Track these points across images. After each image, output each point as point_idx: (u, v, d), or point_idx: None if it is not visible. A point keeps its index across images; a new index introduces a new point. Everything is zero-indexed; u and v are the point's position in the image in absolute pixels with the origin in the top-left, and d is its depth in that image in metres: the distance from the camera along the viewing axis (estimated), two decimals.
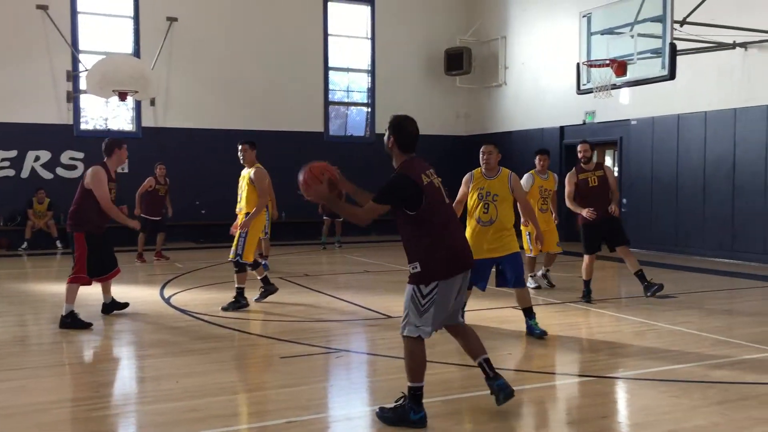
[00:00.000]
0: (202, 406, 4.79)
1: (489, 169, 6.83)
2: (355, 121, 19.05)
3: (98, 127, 16.59)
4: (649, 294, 8.56)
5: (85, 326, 7.17)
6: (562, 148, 16.48)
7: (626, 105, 14.58)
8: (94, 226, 7.39)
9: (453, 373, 5.59)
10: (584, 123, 15.81)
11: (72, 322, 7.17)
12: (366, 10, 18.67)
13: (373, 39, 18.67)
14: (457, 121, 19.59)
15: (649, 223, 14.15)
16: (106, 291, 7.91)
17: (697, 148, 13.40)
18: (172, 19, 16.35)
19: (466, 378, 5.47)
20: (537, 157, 9.74)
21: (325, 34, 18.16)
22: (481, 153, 6.88)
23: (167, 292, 9.49)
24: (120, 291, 9.74)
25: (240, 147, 8.61)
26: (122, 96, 14.05)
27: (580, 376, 5.69)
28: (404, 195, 4.33)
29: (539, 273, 9.76)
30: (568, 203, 8.74)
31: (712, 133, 13.10)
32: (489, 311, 8.02)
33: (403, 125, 4.52)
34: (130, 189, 15.95)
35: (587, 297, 8.66)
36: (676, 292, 9.22)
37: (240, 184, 8.58)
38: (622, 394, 5.35)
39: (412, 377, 4.42)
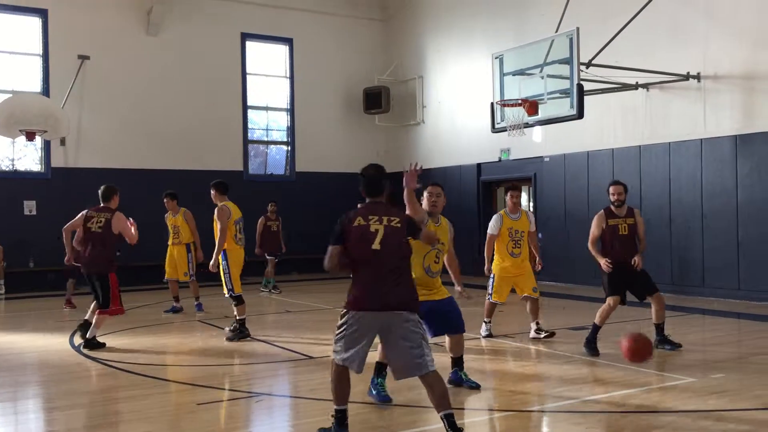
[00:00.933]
0: None
1: (434, 213, 6.14)
2: (275, 160, 18.97)
3: (5, 168, 15.91)
4: (659, 347, 7.64)
5: (102, 345, 8.31)
6: (479, 185, 16.87)
7: (539, 143, 15.09)
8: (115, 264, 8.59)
9: (372, 413, 5.54)
10: (500, 160, 16.25)
11: (97, 343, 8.28)
12: (284, 49, 18.75)
13: (291, 78, 18.74)
14: (377, 159, 19.73)
15: (564, 256, 14.56)
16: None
17: (605, 183, 13.84)
18: (83, 57, 15.95)
19: (387, 417, 5.43)
20: (507, 194, 8.61)
21: (244, 73, 18.12)
22: (428, 194, 6.22)
23: (77, 339, 9.07)
24: (26, 339, 9.28)
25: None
26: (30, 136, 13.54)
27: (499, 410, 5.75)
28: (335, 232, 4.75)
29: (531, 329, 8.65)
30: (590, 247, 7.99)
31: (619, 168, 13.69)
32: None
33: (362, 173, 5.02)
34: (39, 232, 15.35)
35: (592, 346, 7.55)
36: (591, 324, 9.48)
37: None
38: (539, 428, 5.43)
39: (334, 400, 4.77)
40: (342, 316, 4.68)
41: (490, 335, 8.68)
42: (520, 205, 8.63)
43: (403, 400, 5.90)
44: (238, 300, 8.83)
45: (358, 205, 4.97)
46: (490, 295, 8.71)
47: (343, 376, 4.71)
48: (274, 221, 14.38)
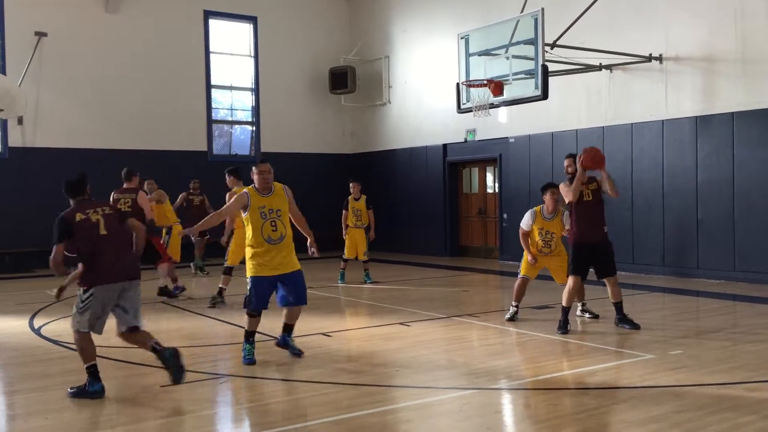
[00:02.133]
0: None
1: (265, 188, 6.62)
2: (240, 140, 18.77)
3: None
4: (619, 325, 7.86)
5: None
6: (446, 166, 16.92)
7: (504, 123, 15.16)
8: None
9: (341, 392, 5.56)
10: (466, 141, 16.30)
11: (170, 293, 10.57)
12: (248, 27, 18.49)
13: (256, 57, 18.50)
14: (342, 140, 19.70)
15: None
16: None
17: None
18: (40, 34, 15.54)
19: (353, 397, 5.45)
20: (547, 193, 8.32)
21: (207, 51, 17.83)
22: (259, 172, 6.60)
23: (37, 322, 8.92)
24: None
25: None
26: None
27: (464, 389, 5.80)
28: (58, 232, 5.52)
29: (578, 310, 8.60)
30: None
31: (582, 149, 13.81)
32: (376, 328, 8.05)
33: (65, 181, 5.79)
34: None
35: (564, 327, 7.63)
36: (552, 303, 9.62)
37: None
38: (504, 404, 5.50)
39: (84, 359, 5.55)
40: (85, 293, 5.51)
41: (513, 319, 8.42)
42: (558, 205, 8.33)
43: (369, 380, 5.93)
44: (226, 271, 9.96)
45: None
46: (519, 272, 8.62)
47: (88, 339, 5.61)
48: (197, 196, 14.42)
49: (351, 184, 12.57)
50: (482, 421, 4.92)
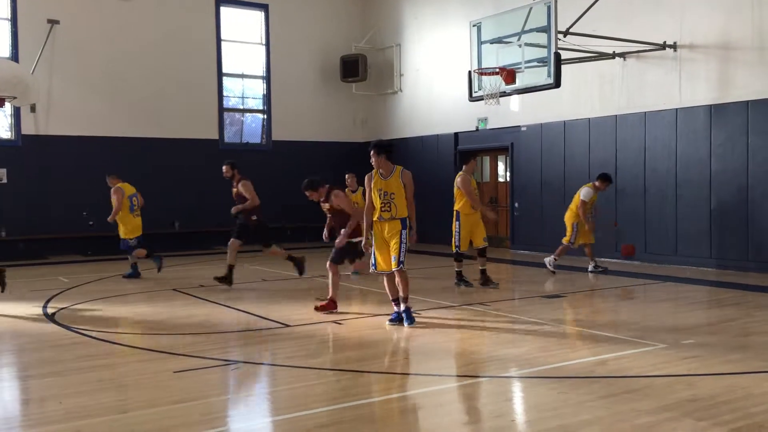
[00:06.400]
0: (87, 428, 4.55)
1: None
2: (251, 128, 18.77)
3: None
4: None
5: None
6: (457, 154, 16.86)
7: (516, 112, 15.07)
8: None
9: (351, 380, 5.57)
10: (477, 129, 16.23)
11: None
12: (260, 15, 18.46)
13: (267, 45, 18.48)
14: (354, 128, 19.67)
15: (540, 225, 14.67)
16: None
17: (582, 152, 14.03)
18: (53, 22, 15.58)
19: (363, 384, 5.47)
20: (598, 180, 11.79)
21: (218, 39, 17.82)
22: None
23: (51, 308, 9.00)
24: (0, 308, 9.17)
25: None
26: (0, 102, 13.23)
27: (474, 377, 5.81)
28: None
29: (590, 266, 11.82)
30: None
31: (595, 138, 13.76)
32: (387, 316, 8.07)
33: None
34: (10, 201, 15.12)
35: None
36: (564, 292, 9.60)
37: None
38: (513, 392, 5.50)
39: None
40: None
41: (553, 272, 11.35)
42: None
43: (379, 367, 5.95)
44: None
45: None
46: (573, 240, 11.63)
47: None
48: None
49: (347, 176, 12.31)
50: (492, 409, 4.92)
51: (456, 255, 10.39)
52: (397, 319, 7.62)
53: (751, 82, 11.39)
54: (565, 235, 11.73)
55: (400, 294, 7.63)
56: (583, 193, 11.55)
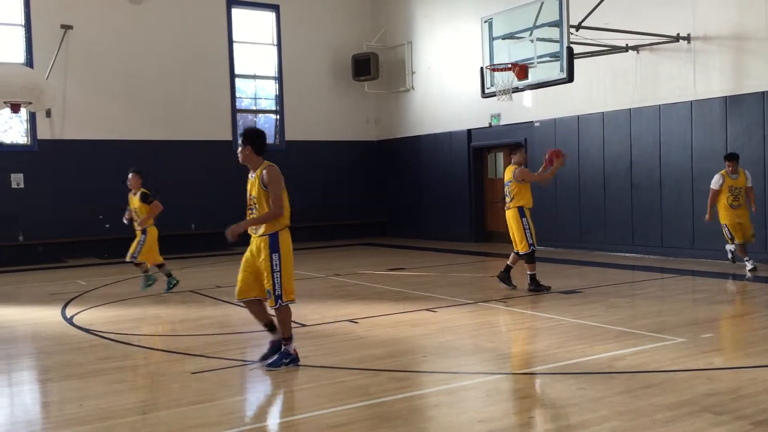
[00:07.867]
0: (107, 429, 4.59)
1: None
2: (264, 129, 18.80)
3: None
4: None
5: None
6: (470, 151, 16.83)
7: (529, 107, 15.02)
8: None
9: (368, 378, 5.58)
10: (490, 126, 16.18)
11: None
12: (271, 16, 18.50)
13: (279, 45, 18.53)
14: (366, 127, 19.67)
15: (554, 220, 14.61)
16: None
17: (596, 147, 13.95)
18: (66, 27, 15.70)
19: (380, 383, 5.47)
20: (726, 162, 10.82)
21: (230, 41, 17.89)
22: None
23: (69, 311, 9.07)
24: (19, 312, 9.28)
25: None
26: (15, 108, 13.35)
27: (491, 374, 5.80)
28: None
29: (730, 252, 11.24)
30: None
31: (609, 132, 13.67)
32: (403, 314, 8.07)
33: None
34: (27, 206, 15.26)
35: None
36: (580, 287, 9.55)
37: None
38: (532, 389, 5.48)
39: None
40: None
41: (754, 268, 10.46)
42: (736, 169, 10.70)
43: (396, 366, 5.95)
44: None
45: None
46: (732, 240, 10.79)
47: None
48: None
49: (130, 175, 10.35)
50: (510, 406, 4.91)
51: (528, 256, 9.39)
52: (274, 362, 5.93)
53: (767, 73, 11.27)
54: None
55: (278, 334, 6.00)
56: (713, 180, 10.81)
